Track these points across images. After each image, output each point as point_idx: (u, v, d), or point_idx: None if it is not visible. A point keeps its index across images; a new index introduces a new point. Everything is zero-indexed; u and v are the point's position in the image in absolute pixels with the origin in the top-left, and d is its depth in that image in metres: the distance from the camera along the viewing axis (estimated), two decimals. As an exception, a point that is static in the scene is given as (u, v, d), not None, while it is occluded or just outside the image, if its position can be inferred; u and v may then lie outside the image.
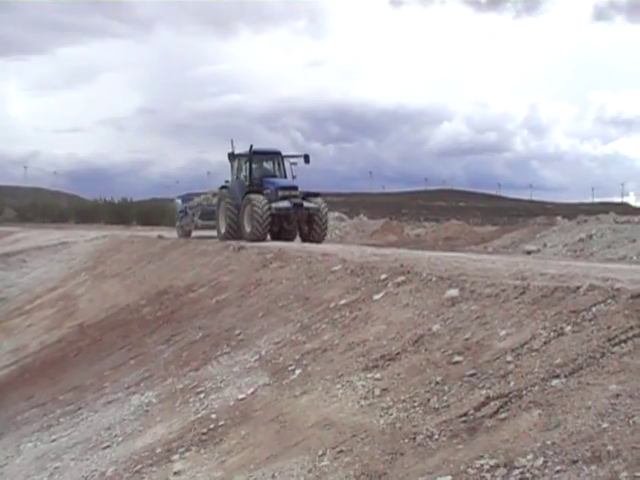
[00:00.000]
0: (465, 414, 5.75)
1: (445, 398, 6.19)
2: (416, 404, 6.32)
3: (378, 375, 7.22)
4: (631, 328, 5.94)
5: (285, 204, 23.61)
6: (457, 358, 6.77)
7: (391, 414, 6.34)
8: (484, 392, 5.95)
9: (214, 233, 25.95)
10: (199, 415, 8.52)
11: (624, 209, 75.05)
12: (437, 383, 6.48)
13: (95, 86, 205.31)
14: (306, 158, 26.02)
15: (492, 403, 5.71)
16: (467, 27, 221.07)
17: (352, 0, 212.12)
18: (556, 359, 5.92)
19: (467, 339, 7.11)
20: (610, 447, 4.42)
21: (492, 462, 4.86)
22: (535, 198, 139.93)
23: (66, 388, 12.73)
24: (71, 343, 17.01)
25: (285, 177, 25.80)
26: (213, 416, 8.25)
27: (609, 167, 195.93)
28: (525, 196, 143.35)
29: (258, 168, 25.81)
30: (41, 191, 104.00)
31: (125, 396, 10.62)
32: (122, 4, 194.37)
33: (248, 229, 23.38)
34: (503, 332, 6.91)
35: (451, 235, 33.16)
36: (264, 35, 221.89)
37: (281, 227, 24.47)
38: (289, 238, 24.67)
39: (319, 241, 24.02)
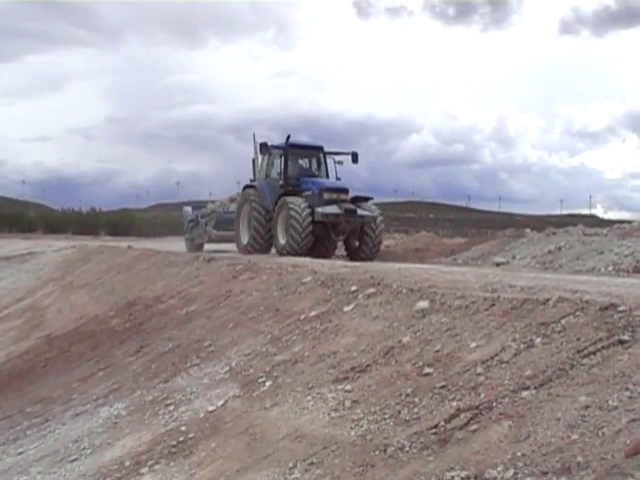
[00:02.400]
0: (436, 426, 5.75)
1: (416, 410, 6.19)
2: (387, 416, 6.31)
3: (349, 387, 7.22)
4: (600, 340, 5.99)
5: (334, 209, 19.53)
6: (427, 370, 6.78)
7: (362, 426, 6.33)
8: (454, 404, 5.97)
9: (232, 247, 23.19)
10: (168, 427, 8.47)
11: (592, 221, 75.89)
12: (407, 395, 6.49)
13: (63, 94, 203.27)
14: (354, 157, 21.97)
15: (462, 415, 5.72)
16: (435, 39, 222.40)
17: (320, 11, 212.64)
18: (526, 371, 5.95)
19: (437, 351, 7.13)
20: (580, 458, 4.44)
21: (463, 474, 4.86)
22: (504, 210, 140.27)
23: (33, 400, 12.60)
24: (38, 354, 16.85)
25: (327, 178, 21.96)
26: (183, 428, 8.19)
27: (577, 179, 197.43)
28: (494, 208, 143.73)
29: (295, 165, 21.82)
30: (8, 200, 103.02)
31: (93, 408, 10.54)
32: (90, 12, 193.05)
33: (282, 240, 19.65)
34: (473, 344, 6.93)
35: (421, 247, 33.18)
36: (233, 45, 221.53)
37: (320, 239, 20.34)
38: (326, 254, 20.84)
39: (372, 258, 20.08)
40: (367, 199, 21.02)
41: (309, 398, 7.40)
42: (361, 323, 8.99)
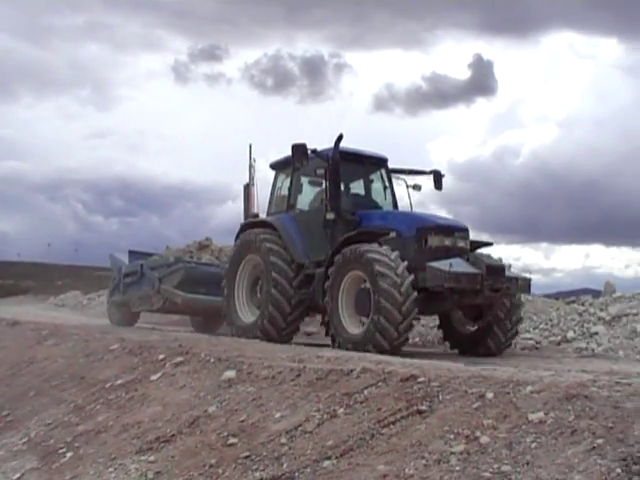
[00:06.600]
0: (238, 497, 5.74)
1: (219, 481, 6.16)
2: (190, 487, 6.24)
3: (152, 458, 7.07)
4: (399, 410, 6.19)
5: (464, 266, 10.98)
6: (232, 440, 6.76)
7: (164, 498, 6.22)
8: (258, 474, 5.97)
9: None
10: (-43, 505, 7.99)
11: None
12: (211, 466, 6.44)
13: None
14: (437, 178, 14.13)
15: (265, 485, 5.74)
16: (253, 109, 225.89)
17: (138, 73, 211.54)
18: (328, 441, 6.04)
19: (243, 421, 7.12)
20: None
21: None
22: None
23: None
24: None
25: (396, 209, 13.69)
26: (-27, 505, 7.77)
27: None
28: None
29: (346, 188, 13.32)
30: None
31: None
32: None
33: (354, 327, 11.12)
34: (278, 414, 6.98)
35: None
36: (47, 102, 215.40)
37: None
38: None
39: (500, 352, 11.91)
40: (484, 244, 12.57)
41: (111, 470, 7.19)
42: (167, 392, 8.86)
